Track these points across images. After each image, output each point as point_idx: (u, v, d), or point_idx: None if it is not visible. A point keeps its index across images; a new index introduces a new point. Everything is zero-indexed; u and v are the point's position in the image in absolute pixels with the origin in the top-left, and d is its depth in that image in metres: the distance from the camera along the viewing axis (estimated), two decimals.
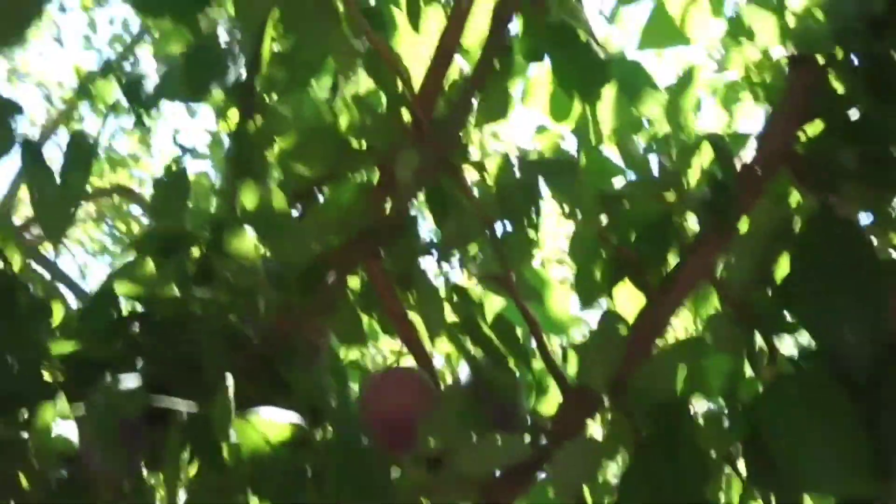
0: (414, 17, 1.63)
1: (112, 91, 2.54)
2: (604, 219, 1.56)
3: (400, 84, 1.60)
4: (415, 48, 1.76)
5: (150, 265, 1.69)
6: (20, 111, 1.68)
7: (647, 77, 1.96)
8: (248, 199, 1.96)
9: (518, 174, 1.44)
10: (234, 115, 2.55)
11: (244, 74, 2.12)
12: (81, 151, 1.85)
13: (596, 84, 1.49)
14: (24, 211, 6.87)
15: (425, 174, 1.59)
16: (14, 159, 1.80)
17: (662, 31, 1.79)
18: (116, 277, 1.67)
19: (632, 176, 1.69)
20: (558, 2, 1.44)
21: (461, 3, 1.48)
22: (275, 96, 2.44)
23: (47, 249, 6.07)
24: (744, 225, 1.56)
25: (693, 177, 1.67)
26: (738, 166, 1.53)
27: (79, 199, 1.94)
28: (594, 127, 1.62)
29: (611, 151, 1.95)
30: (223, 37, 2.11)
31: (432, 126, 1.55)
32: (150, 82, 2.28)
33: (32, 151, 1.82)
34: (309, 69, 1.80)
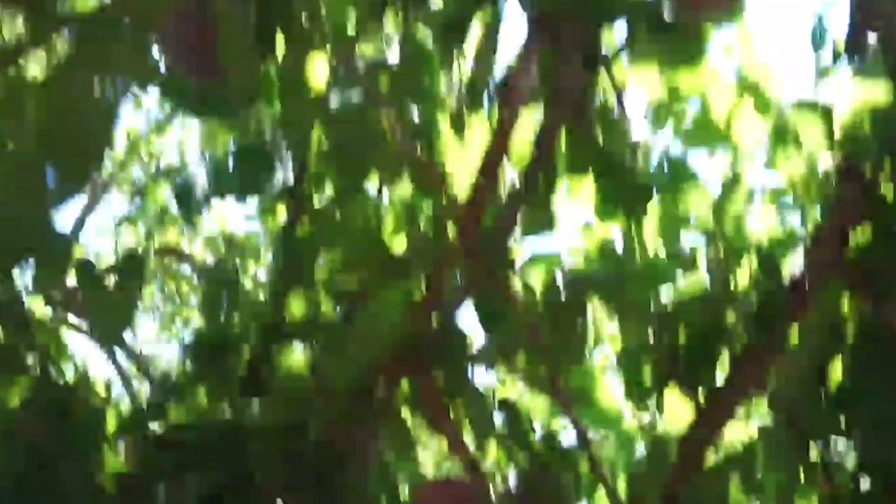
0: (458, 129, 1.65)
1: (164, 192, 2.60)
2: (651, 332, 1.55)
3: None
4: (460, 155, 1.78)
5: (201, 394, 1.71)
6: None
7: (692, 173, 1.96)
8: (297, 307, 1.99)
9: (564, 293, 1.43)
10: (281, 211, 2.59)
11: (291, 174, 2.16)
12: (134, 267, 1.90)
13: (639, 207, 1.49)
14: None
15: (472, 286, 1.59)
16: None
17: (707, 131, 1.79)
18: (167, 393, 1.69)
19: (678, 274, 1.69)
20: (601, 121, 1.45)
21: (504, 121, 1.49)
22: (321, 195, 2.49)
23: None
24: (795, 333, 1.55)
25: (742, 278, 1.66)
26: (788, 277, 1.52)
27: (133, 310, 1.97)
28: (639, 234, 1.62)
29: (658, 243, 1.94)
30: (270, 134, 2.15)
31: (478, 239, 1.56)
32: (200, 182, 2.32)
33: (87, 270, 1.87)
34: (355, 178, 1.83)
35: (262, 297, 2.36)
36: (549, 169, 1.49)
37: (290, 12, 1.19)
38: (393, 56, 1.83)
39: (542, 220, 1.50)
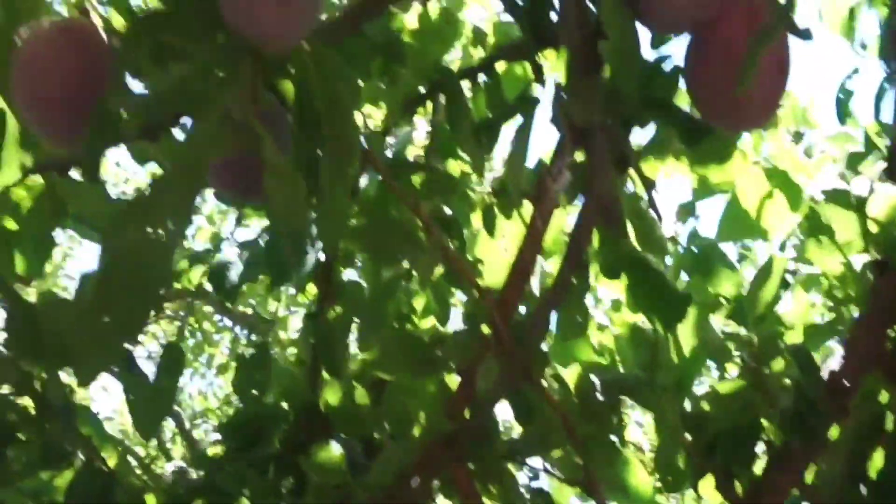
0: (490, 226, 1.66)
1: (198, 275, 2.63)
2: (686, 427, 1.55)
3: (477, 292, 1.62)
4: (493, 251, 1.79)
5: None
6: None
7: (723, 257, 1.96)
8: (332, 395, 2.00)
9: (600, 396, 1.43)
10: (312, 290, 2.61)
11: (323, 255, 2.17)
12: (174, 361, 1.93)
13: (674, 319, 1.49)
14: None
15: (506, 384, 1.59)
16: None
17: (739, 224, 1.80)
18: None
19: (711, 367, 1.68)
20: (633, 221, 1.45)
21: (536, 222, 1.50)
22: (352, 274, 2.50)
23: None
24: (834, 430, 1.54)
25: (776, 371, 1.65)
26: (825, 371, 1.52)
27: (171, 403, 2.00)
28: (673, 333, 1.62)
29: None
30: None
31: (512, 338, 1.56)
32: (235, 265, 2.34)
33: (127, 360, 1.89)
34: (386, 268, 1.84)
35: (295, 370, 2.37)
36: (581, 272, 1.49)
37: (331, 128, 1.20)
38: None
39: (575, 326, 1.50)
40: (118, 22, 1.30)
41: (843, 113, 2.54)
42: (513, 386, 1.61)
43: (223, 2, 1.04)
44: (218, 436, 2.14)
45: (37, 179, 2.08)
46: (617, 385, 1.47)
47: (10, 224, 2.13)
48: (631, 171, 1.50)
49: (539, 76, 1.43)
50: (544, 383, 1.61)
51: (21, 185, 2.11)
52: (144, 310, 1.09)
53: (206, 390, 7.33)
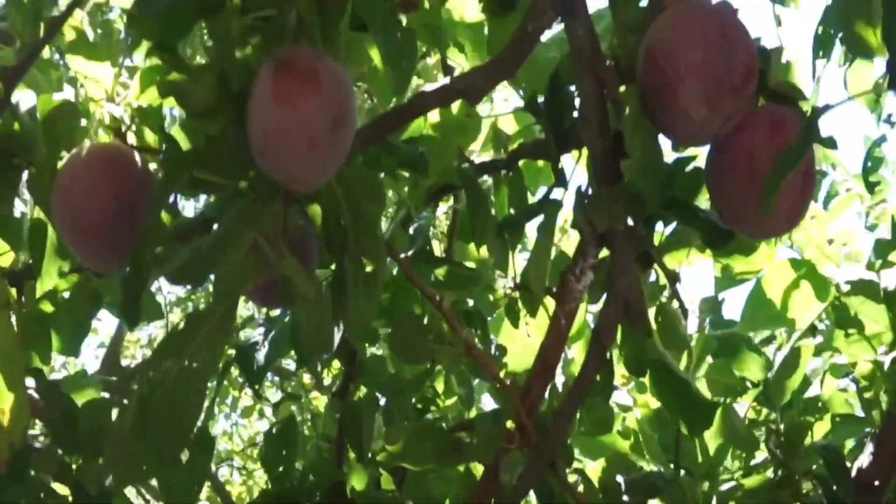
0: (513, 320, 1.67)
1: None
2: None
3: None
4: (517, 338, 1.80)
5: None
6: None
7: (748, 341, 1.95)
8: (357, 480, 2.00)
9: (625, 495, 1.43)
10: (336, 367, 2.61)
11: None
12: (204, 441, 1.94)
13: (701, 426, 1.48)
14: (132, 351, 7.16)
15: (531, 477, 1.59)
16: None
17: (764, 313, 1.79)
18: None
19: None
20: (657, 323, 1.46)
21: (559, 320, 1.50)
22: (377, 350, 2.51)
23: None
24: None
25: (805, 466, 1.64)
26: (855, 470, 1.51)
27: (203, 481, 2.00)
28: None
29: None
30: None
31: (537, 432, 1.56)
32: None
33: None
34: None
35: (323, 445, 2.37)
36: (605, 370, 1.49)
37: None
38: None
39: (600, 423, 1.50)
40: (150, 138, 1.33)
41: (870, 182, 2.54)
42: (538, 479, 1.61)
43: (253, 147, 1.06)
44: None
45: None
46: (643, 484, 1.46)
47: (47, 307, 2.17)
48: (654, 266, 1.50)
49: (561, 181, 1.44)
50: (570, 478, 1.61)
51: None
52: (181, 439, 1.10)
53: (231, 430, 7.36)
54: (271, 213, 1.10)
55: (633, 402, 1.98)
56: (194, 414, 1.10)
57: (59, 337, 2.23)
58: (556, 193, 1.48)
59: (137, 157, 1.27)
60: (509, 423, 1.63)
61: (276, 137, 1.04)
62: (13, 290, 2.01)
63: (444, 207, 2.37)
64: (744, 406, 1.85)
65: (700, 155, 1.38)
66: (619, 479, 1.48)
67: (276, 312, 2.54)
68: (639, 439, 1.93)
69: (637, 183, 1.24)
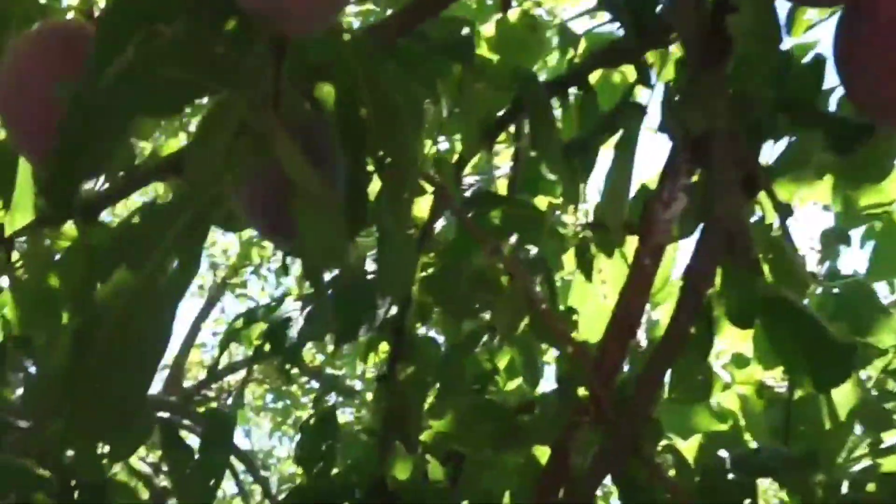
0: (585, 268, 1.41)
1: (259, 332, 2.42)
2: None
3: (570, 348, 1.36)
4: (591, 298, 1.54)
5: None
6: None
7: (874, 298, 1.67)
8: (401, 470, 1.77)
9: (731, 473, 1.16)
10: (383, 350, 2.38)
11: (394, 308, 1.95)
12: (220, 429, 1.73)
13: (835, 378, 1.20)
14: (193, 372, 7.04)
15: (609, 460, 1.32)
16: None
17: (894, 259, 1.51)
18: None
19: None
20: (766, 255, 1.19)
21: (642, 260, 1.24)
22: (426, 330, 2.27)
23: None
24: None
25: None
26: None
27: (219, 476, 1.79)
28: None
29: None
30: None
31: (615, 403, 1.30)
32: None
33: (170, 434, 1.70)
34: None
35: (367, 439, 2.16)
36: (702, 321, 1.23)
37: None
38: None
39: (695, 388, 1.23)
40: None
41: None
42: (617, 462, 1.34)
43: None
44: None
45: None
46: (753, 462, 1.19)
47: (54, 280, 1.95)
48: (761, 194, 1.23)
49: (644, 78, 1.18)
50: (657, 459, 1.35)
51: (60, 234, 1.94)
52: (140, 385, 0.84)
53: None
54: (254, 64, 0.84)
55: (730, 378, 1.70)
56: (159, 349, 0.85)
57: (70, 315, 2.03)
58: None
59: None
60: (581, 393, 1.38)
61: None
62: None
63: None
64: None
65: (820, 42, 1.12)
66: (722, 454, 1.21)
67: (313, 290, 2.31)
68: (737, 423, 1.65)
69: (745, 60, 0.98)
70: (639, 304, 1.29)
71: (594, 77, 1.49)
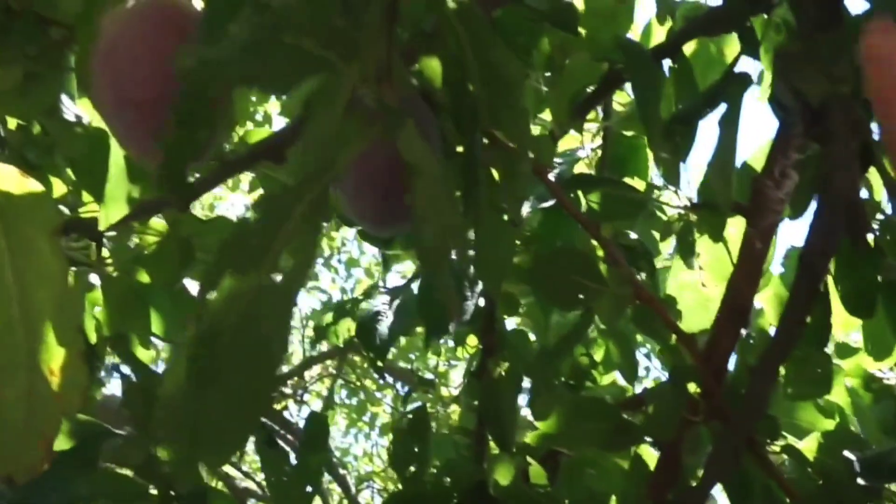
0: (687, 253, 1.31)
1: (349, 328, 2.38)
2: None
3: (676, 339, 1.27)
4: (687, 288, 1.44)
5: None
6: None
7: None
8: (503, 474, 1.69)
9: (859, 478, 1.06)
10: (474, 343, 2.30)
11: (482, 300, 1.88)
12: (318, 432, 1.69)
13: None
14: None
15: (723, 460, 1.23)
16: None
17: None
18: None
19: None
20: (886, 242, 1.08)
21: (752, 242, 1.15)
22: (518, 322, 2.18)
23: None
24: None
25: None
26: None
27: (317, 481, 1.75)
28: None
29: None
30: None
31: (728, 399, 1.21)
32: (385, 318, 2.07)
33: (266, 436, 1.66)
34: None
35: (459, 439, 2.10)
36: (819, 308, 1.13)
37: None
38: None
39: (814, 382, 1.13)
40: None
41: None
42: (732, 462, 1.25)
43: None
44: None
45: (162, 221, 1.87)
46: (885, 464, 1.09)
47: (144, 276, 1.92)
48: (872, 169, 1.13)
49: (751, 45, 1.08)
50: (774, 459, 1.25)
51: (149, 229, 1.90)
52: (263, 392, 0.78)
53: (372, 451, 7.15)
54: (369, 32, 0.76)
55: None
56: (278, 352, 0.78)
57: (159, 314, 2.00)
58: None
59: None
60: (692, 389, 1.29)
61: None
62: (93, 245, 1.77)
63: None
64: None
65: None
66: (850, 455, 1.10)
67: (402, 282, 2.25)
68: (844, 418, 1.54)
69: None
70: (750, 291, 1.20)
71: (688, 49, 1.40)
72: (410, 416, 2.06)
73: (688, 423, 1.26)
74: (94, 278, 1.84)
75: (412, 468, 1.90)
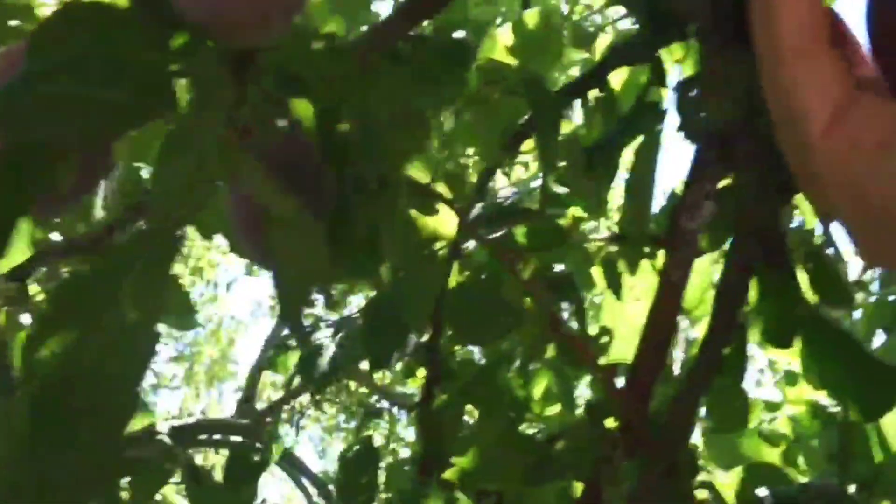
0: (614, 285, 1.30)
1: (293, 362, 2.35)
2: None
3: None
4: (625, 316, 1.43)
5: None
6: None
7: None
8: None
9: None
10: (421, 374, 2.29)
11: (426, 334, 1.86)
12: (246, 468, 1.66)
13: (879, 407, 1.07)
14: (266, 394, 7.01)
15: (643, 493, 1.21)
16: None
17: None
18: None
19: None
20: (806, 264, 1.07)
21: (671, 273, 1.13)
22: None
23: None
24: None
25: None
26: None
27: None
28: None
29: None
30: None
31: (649, 432, 1.18)
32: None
33: (193, 472, 1.64)
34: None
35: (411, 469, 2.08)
36: (737, 338, 1.11)
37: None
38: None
39: (731, 415, 1.11)
40: None
41: None
42: (653, 496, 1.22)
43: None
44: None
45: None
46: (797, 500, 1.07)
47: None
48: (798, 196, 1.12)
49: (660, 77, 1.07)
50: (697, 493, 1.23)
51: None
52: (111, 443, 0.75)
53: None
54: (209, 82, 0.75)
55: (782, 397, 1.57)
56: (127, 407, 0.75)
57: None
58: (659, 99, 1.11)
59: None
60: (611, 423, 1.26)
61: None
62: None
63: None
64: None
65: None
66: (762, 492, 1.08)
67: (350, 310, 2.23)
68: (791, 447, 1.52)
69: None
70: (668, 323, 1.18)
71: (621, 76, 1.39)
72: (357, 447, 2.04)
73: (607, 459, 1.23)
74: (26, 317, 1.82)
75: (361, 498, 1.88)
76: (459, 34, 1.17)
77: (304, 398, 6.21)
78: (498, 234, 1.32)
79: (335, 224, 0.90)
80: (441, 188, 1.23)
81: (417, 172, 1.29)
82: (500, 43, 1.42)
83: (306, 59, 0.84)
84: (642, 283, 1.40)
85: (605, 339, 1.43)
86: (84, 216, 1.55)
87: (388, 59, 1.05)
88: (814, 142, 0.51)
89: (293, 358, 2.37)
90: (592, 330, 1.44)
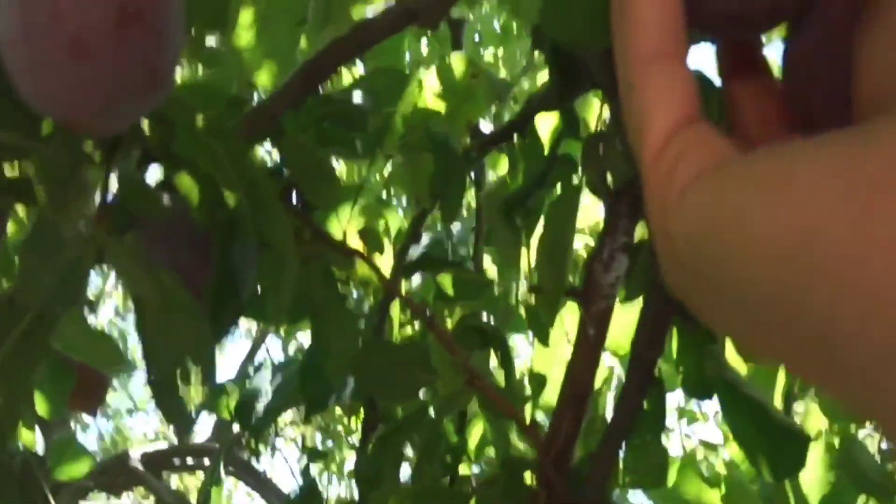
0: (540, 335, 1.28)
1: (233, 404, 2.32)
2: None
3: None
4: (557, 364, 1.41)
5: None
6: None
7: None
8: None
9: None
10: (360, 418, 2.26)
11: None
12: None
13: (788, 469, 1.06)
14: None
15: None
16: None
17: None
18: None
19: None
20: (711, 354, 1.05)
21: (587, 329, 1.11)
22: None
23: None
24: None
25: None
26: None
27: None
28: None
29: None
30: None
31: (569, 486, 1.16)
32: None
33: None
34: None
35: None
36: (655, 394, 1.09)
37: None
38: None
39: (650, 471, 1.09)
40: None
41: None
42: None
43: (9, 68, 0.67)
44: None
45: None
46: None
47: None
48: None
49: (572, 127, 1.06)
50: None
51: None
52: None
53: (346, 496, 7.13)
54: (67, 170, 0.73)
55: (722, 438, 1.54)
56: None
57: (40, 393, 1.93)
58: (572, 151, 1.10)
59: None
60: (529, 477, 1.24)
61: (25, 43, 0.67)
62: None
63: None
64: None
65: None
66: None
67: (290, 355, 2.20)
68: (731, 489, 1.50)
69: None
70: (586, 377, 1.16)
71: (551, 123, 1.38)
72: (299, 490, 2.01)
73: None
74: None
75: None
76: (360, 97, 1.15)
77: (285, 417, 6.15)
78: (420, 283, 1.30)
79: (221, 291, 0.88)
80: (356, 243, 1.21)
81: (333, 227, 1.27)
82: (427, 87, 1.41)
83: (187, 139, 0.82)
84: (573, 326, 1.38)
85: (535, 384, 1.41)
86: None
87: (291, 119, 1.03)
88: (646, 165, 0.42)
89: (233, 401, 2.34)
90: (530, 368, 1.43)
